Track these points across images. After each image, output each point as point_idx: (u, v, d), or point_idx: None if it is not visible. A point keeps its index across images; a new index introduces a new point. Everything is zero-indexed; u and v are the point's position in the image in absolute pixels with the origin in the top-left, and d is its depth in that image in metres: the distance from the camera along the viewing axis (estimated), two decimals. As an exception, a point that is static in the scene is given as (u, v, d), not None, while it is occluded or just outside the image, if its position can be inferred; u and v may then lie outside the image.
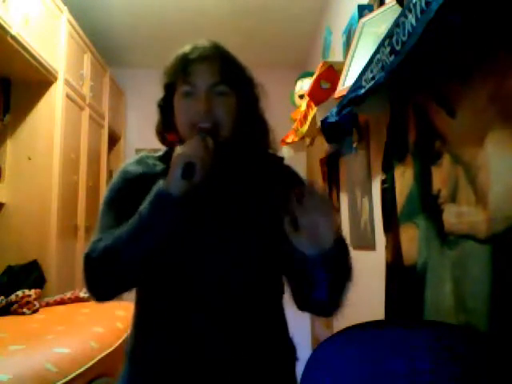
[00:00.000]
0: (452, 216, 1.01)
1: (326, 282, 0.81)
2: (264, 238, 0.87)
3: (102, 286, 0.85)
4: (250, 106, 0.94)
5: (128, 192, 0.88)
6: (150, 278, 0.86)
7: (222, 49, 0.92)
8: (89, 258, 0.83)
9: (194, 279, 0.85)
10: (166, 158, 0.92)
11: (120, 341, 1.62)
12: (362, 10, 1.64)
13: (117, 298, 0.85)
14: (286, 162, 1.00)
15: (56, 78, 2.47)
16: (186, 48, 0.91)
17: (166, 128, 0.95)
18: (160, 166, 0.92)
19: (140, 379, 0.87)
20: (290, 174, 0.98)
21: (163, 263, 0.83)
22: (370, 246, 1.72)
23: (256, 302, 0.87)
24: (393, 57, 0.97)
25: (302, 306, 0.89)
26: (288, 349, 0.94)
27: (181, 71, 0.88)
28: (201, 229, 0.86)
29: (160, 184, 0.80)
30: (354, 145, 1.76)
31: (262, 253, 0.87)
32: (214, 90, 0.87)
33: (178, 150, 0.81)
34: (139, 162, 0.95)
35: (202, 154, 0.79)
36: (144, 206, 0.80)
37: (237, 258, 0.85)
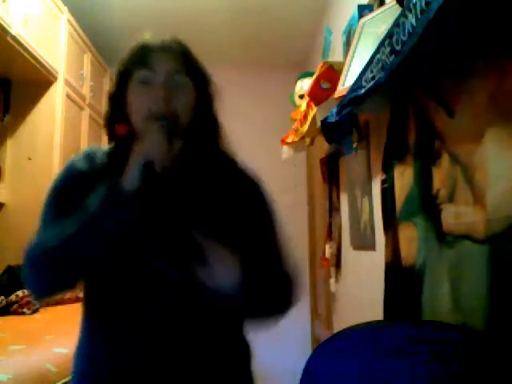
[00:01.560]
0: (450, 216, 1.01)
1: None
2: (213, 238, 0.82)
3: (39, 282, 0.82)
4: (207, 103, 0.91)
5: (72, 188, 0.85)
6: (93, 277, 0.84)
7: (183, 43, 0.90)
8: (28, 253, 0.81)
9: (139, 282, 0.81)
10: (113, 155, 0.89)
11: (120, 341, 1.62)
12: (362, 10, 1.64)
13: (55, 295, 0.85)
14: (242, 162, 0.97)
15: (56, 78, 2.47)
16: (146, 36, 0.89)
17: (116, 119, 0.90)
18: (107, 161, 0.88)
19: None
20: (243, 173, 0.95)
21: (106, 265, 0.80)
22: (370, 246, 1.72)
23: (205, 308, 0.83)
24: (393, 57, 0.97)
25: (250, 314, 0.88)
26: (242, 350, 0.90)
27: (140, 57, 0.86)
28: (148, 230, 0.83)
29: (113, 179, 0.77)
30: (354, 145, 1.76)
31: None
32: (174, 78, 0.84)
33: (138, 146, 0.78)
34: (86, 157, 0.90)
35: (162, 151, 0.77)
36: (93, 202, 0.77)
37: (185, 262, 0.81)
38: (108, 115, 0.93)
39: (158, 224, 0.84)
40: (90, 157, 0.91)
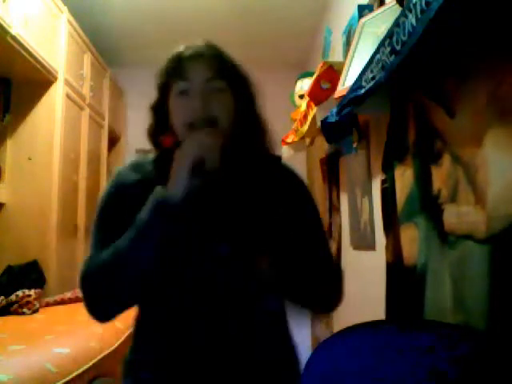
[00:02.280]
0: (452, 216, 1.01)
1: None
2: (266, 243, 0.84)
3: (102, 305, 0.81)
4: (248, 104, 0.91)
5: (122, 202, 0.85)
6: (151, 288, 0.83)
7: (217, 46, 0.90)
8: (85, 277, 0.80)
9: (196, 288, 0.82)
10: (159, 162, 0.88)
11: (120, 341, 1.62)
12: (362, 10, 1.64)
13: (119, 315, 0.82)
14: (285, 161, 0.98)
15: (56, 78, 2.47)
16: (180, 47, 0.89)
17: (161, 131, 0.91)
18: (155, 172, 0.88)
19: None
20: (288, 174, 0.96)
21: (164, 273, 0.80)
22: (370, 246, 1.72)
23: (259, 312, 0.84)
24: (393, 57, 0.96)
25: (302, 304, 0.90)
26: (291, 363, 0.91)
27: (175, 69, 0.86)
28: (201, 236, 0.83)
29: (158, 191, 0.77)
30: (354, 145, 1.76)
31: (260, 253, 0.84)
32: (210, 85, 0.84)
33: (177, 152, 0.78)
34: (133, 167, 0.91)
35: (211, 147, 0.77)
36: (142, 216, 0.77)
37: (240, 267, 0.82)
38: (152, 126, 0.92)
39: (209, 230, 0.84)
40: (136, 167, 0.91)
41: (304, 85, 2.56)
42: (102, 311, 0.83)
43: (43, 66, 2.31)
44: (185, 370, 0.81)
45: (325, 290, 0.87)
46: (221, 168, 0.81)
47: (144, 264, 0.77)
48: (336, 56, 2.36)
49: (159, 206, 0.76)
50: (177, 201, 0.76)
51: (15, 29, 1.98)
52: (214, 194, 0.85)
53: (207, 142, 0.78)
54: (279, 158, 0.97)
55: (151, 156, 0.93)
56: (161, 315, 0.84)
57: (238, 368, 0.81)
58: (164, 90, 0.88)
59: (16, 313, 1.95)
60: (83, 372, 1.31)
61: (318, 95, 1.70)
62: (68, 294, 2.31)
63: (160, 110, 0.90)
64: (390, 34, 0.97)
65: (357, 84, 1.21)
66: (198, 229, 0.83)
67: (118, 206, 0.86)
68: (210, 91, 0.84)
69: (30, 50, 2.13)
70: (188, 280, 0.82)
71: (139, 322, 0.88)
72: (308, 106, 1.99)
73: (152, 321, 0.86)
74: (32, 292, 2.03)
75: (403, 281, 1.30)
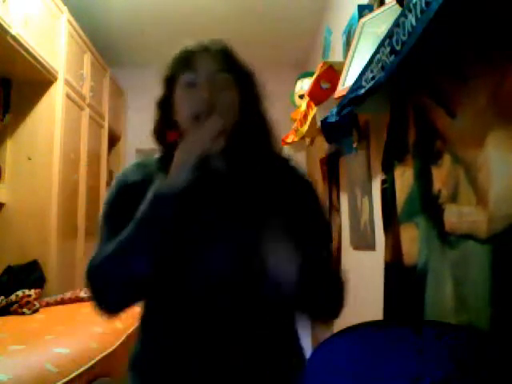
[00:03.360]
0: (452, 216, 1.01)
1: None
2: (268, 238, 0.83)
3: (108, 299, 0.82)
4: (253, 101, 0.91)
5: (126, 201, 0.84)
6: (156, 280, 0.83)
7: (224, 43, 0.90)
8: (92, 270, 0.81)
9: (197, 279, 0.82)
10: (163, 159, 0.88)
11: (120, 341, 1.62)
12: (362, 10, 1.64)
13: (128, 309, 0.82)
14: (295, 163, 0.97)
15: (56, 78, 2.47)
16: (189, 43, 0.89)
17: (166, 126, 0.91)
18: (159, 170, 0.88)
19: None
20: (295, 174, 0.95)
21: (167, 264, 0.80)
22: (370, 246, 1.72)
23: (264, 305, 0.84)
24: (393, 57, 0.97)
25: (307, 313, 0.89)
26: (297, 359, 0.90)
27: (182, 61, 0.86)
28: (203, 227, 0.83)
29: (158, 182, 0.78)
30: (354, 145, 1.76)
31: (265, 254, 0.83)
32: (217, 78, 0.84)
33: (182, 143, 0.79)
34: (137, 167, 0.91)
35: (213, 139, 0.77)
36: (141, 209, 0.78)
37: (242, 258, 0.82)
38: (157, 122, 0.92)
39: (210, 221, 0.84)
40: (141, 166, 0.91)
41: (304, 85, 2.56)
42: (108, 304, 0.83)
43: (43, 66, 2.31)
44: (191, 364, 0.81)
45: (324, 297, 0.86)
46: (225, 163, 0.81)
47: (145, 253, 0.78)
48: (336, 56, 2.36)
49: (158, 196, 0.77)
50: (177, 191, 0.76)
51: (15, 29, 1.98)
52: (219, 188, 0.86)
53: (212, 134, 0.78)
54: (288, 160, 0.97)
55: (155, 156, 0.93)
56: (167, 308, 0.84)
57: (244, 364, 0.81)
58: (170, 83, 0.88)
59: (16, 313, 1.95)
60: (83, 372, 1.31)
61: (318, 95, 1.70)
62: (68, 294, 2.30)
63: (165, 106, 0.90)
64: (390, 34, 0.97)
65: (357, 84, 1.21)
66: (202, 220, 0.83)
67: (122, 205, 0.86)
68: (217, 84, 0.84)
69: (30, 50, 2.13)
70: (193, 274, 0.82)
71: (145, 316, 0.89)
72: (308, 106, 1.99)
73: (158, 315, 0.86)
74: (32, 292, 2.03)
75: (403, 281, 1.30)
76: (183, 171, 0.77)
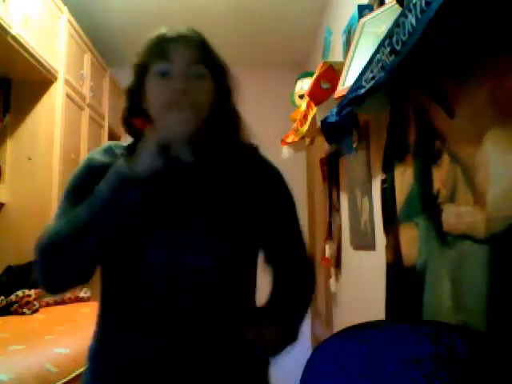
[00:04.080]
0: (451, 216, 1.01)
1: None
2: (235, 227, 0.84)
3: (53, 275, 0.81)
4: (226, 93, 0.90)
5: (90, 180, 0.83)
6: (108, 267, 0.83)
7: (200, 33, 0.89)
8: (41, 244, 0.80)
9: (154, 269, 0.80)
10: (132, 148, 0.87)
11: (120, 341, 1.62)
12: (362, 10, 1.64)
13: (70, 289, 0.82)
14: (262, 151, 0.97)
15: (56, 78, 2.47)
16: (162, 29, 0.88)
17: (134, 113, 0.90)
18: (125, 156, 0.86)
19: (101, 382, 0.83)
20: (262, 162, 0.96)
21: (120, 251, 0.79)
22: (370, 246, 1.72)
23: (226, 295, 0.84)
24: (393, 57, 0.97)
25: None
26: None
27: (157, 49, 0.85)
28: (164, 216, 0.82)
29: (119, 163, 0.77)
30: (354, 145, 1.76)
31: (230, 242, 0.83)
32: (192, 70, 0.83)
33: (151, 130, 0.79)
34: (106, 151, 0.90)
35: (182, 129, 0.77)
36: (101, 187, 0.77)
37: (203, 249, 0.81)
38: (126, 109, 0.91)
39: (172, 210, 0.83)
40: (109, 150, 0.91)
41: (304, 85, 2.56)
42: (54, 280, 0.82)
43: (43, 66, 2.31)
44: (152, 353, 0.79)
45: (297, 283, 0.91)
46: (192, 153, 0.82)
47: (97, 233, 0.77)
48: (336, 56, 2.36)
49: (121, 178, 0.76)
50: (141, 175, 0.76)
51: (15, 29, 1.98)
52: (183, 177, 0.85)
53: (180, 124, 0.78)
54: (256, 148, 0.96)
55: (125, 142, 0.93)
56: (123, 303, 0.83)
57: (207, 356, 0.80)
58: (141, 71, 0.87)
59: (16, 313, 1.95)
60: (83, 372, 1.31)
61: (318, 95, 1.70)
62: (68, 294, 2.30)
63: (135, 93, 0.88)
64: (389, 34, 0.97)
65: (357, 84, 1.21)
66: (162, 208, 0.82)
67: (85, 183, 0.85)
68: (191, 75, 0.83)
69: (30, 50, 2.13)
70: (149, 265, 0.80)
71: (101, 310, 0.87)
72: (308, 105, 1.99)
73: (112, 307, 0.85)
74: (32, 292, 2.03)
75: (403, 281, 1.30)
76: (149, 157, 0.77)
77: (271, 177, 0.95)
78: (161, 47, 0.85)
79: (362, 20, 1.52)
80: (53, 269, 0.80)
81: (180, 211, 0.83)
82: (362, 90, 1.16)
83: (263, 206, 0.89)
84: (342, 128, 1.53)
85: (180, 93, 0.80)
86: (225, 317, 0.83)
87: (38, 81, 2.41)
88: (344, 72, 1.48)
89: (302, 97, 2.47)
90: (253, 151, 0.96)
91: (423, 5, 0.79)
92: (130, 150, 0.86)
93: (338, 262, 2.28)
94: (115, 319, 0.84)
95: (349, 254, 2.14)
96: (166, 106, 0.81)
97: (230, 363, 0.83)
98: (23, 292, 2.01)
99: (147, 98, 0.86)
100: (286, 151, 2.51)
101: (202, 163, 0.87)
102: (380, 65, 1.04)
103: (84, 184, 0.85)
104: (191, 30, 0.88)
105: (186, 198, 0.84)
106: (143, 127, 0.87)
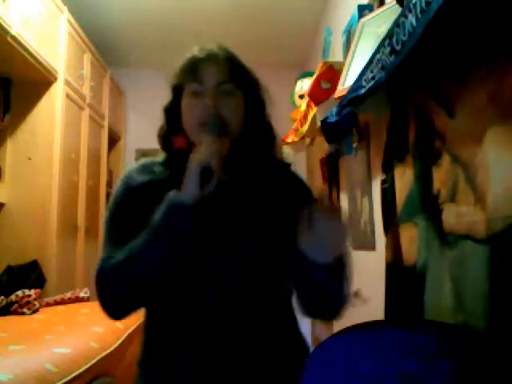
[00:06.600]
0: (451, 216, 1.01)
1: (340, 292, 0.89)
2: (272, 244, 0.86)
3: (117, 303, 0.83)
4: (258, 109, 0.92)
5: (133, 202, 0.86)
6: (161, 287, 0.85)
7: (229, 51, 0.92)
8: (101, 276, 0.82)
9: (206, 287, 0.83)
10: (169, 163, 0.90)
11: (120, 341, 1.62)
12: (362, 10, 1.64)
13: (132, 313, 0.84)
14: (294, 169, 0.99)
15: (56, 78, 2.47)
16: (194, 50, 0.91)
17: (173, 132, 0.92)
18: (165, 173, 0.90)
19: None
20: (296, 181, 0.98)
21: (176, 274, 0.82)
22: (370, 246, 1.72)
23: (267, 309, 0.87)
24: (393, 57, 0.97)
25: (311, 314, 0.91)
26: (299, 354, 0.91)
27: (189, 71, 0.88)
28: (212, 237, 0.85)
29: (172, 194, 0.79)
30: (354, 145, 1.76)
31: (270, 259, 0.86)
32: (222, 88, 0.86)
33: (193, 155, 0.80)
34: (143, 168, 0.92)
35: (217, 154, 0.78)
36: (156, 218, 0.78)
37: (246, 266, 0.84)
38: (164, 128, 0.94)
39: (217, 232, 0.85)
40: (146, 167, 0.92)
41: (304, 85, 2.56)
42: (115, 310, 0.85)
43: (43, 66, 2.31)
44: (197, 368, 0.82)
45: (328, 295, 0.89)
46: (229, 174, 0.83)
47: (157, 265, 0.79)
48: (336, 56, 2.36)
49: (173, 209, 0.78)
50: (189, 205, 0.77)
51: (15, 29, 1.98)
52: (223, 200, 0.86)
53: (214, 149, 0.79)
54: (289, 165, 0.99)
55: (159, 158, 0.95)
56: (172, 315, 0.85)
57: (249, 363, 0.82)
58: (177, 91, 0.90)
59: (16, 313, 1.94)
60: (83, 372, 1.31)
61: (318, 95, 1.70)
62: (68, 294, 2.31)
63: (172, 112, 0.91)
64: (390, 34, 0.97)
65: (357, 84, 1.21)
66: (210, 234, 0.84)
67: (128, 207, 0.87)
68: (222, 94, 0.86)
69: (30, 49, 2.13)
70: (202, 284, 0.83)
71: (149, 323, 0.89)
72: (308, 106, 1.99)
73: (163, 321, 0.87)
74: (32, 292, 2.03)
75: (403, 281, 1.30)
76: (191, 186, 0.77)
77: (306, 195, 0.96)
78: (192, 68, 0.88)
79: (362, 20, 1.52)
80: (115, 299, 0.83)
81: (223, 232, 0.85)
82: (362, 90, 1.16)
83: (294, 223, 0.90)
84: (341, 128, 1.53)
85: (208, 110, 0.84)
86: (271, 340, 0.86)
87: (38, 81, 2.41)
88: (344, 72, 1.48)
89: (302, 97, 2.47)
90: (285, 168, 0.98)
91: (423, 5, 0.79)
92: (170, 166, 0.90)
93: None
94: (166, 330, 0.86)
95: (349, 254, 2.13)
96: (198, 125, 0.84)
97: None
98: (23, 292, 2.01)
99: (182, 117, 0.89)
100: (285, 151, 2.51)
101: (239, 182, 0.89)
102: (380, 65, 1.04)
103: (127, 206, 0.87)
104: (221, 49, 0.91)
105: (229, 220, 0.86)
106: (182, 144, 0.90)
